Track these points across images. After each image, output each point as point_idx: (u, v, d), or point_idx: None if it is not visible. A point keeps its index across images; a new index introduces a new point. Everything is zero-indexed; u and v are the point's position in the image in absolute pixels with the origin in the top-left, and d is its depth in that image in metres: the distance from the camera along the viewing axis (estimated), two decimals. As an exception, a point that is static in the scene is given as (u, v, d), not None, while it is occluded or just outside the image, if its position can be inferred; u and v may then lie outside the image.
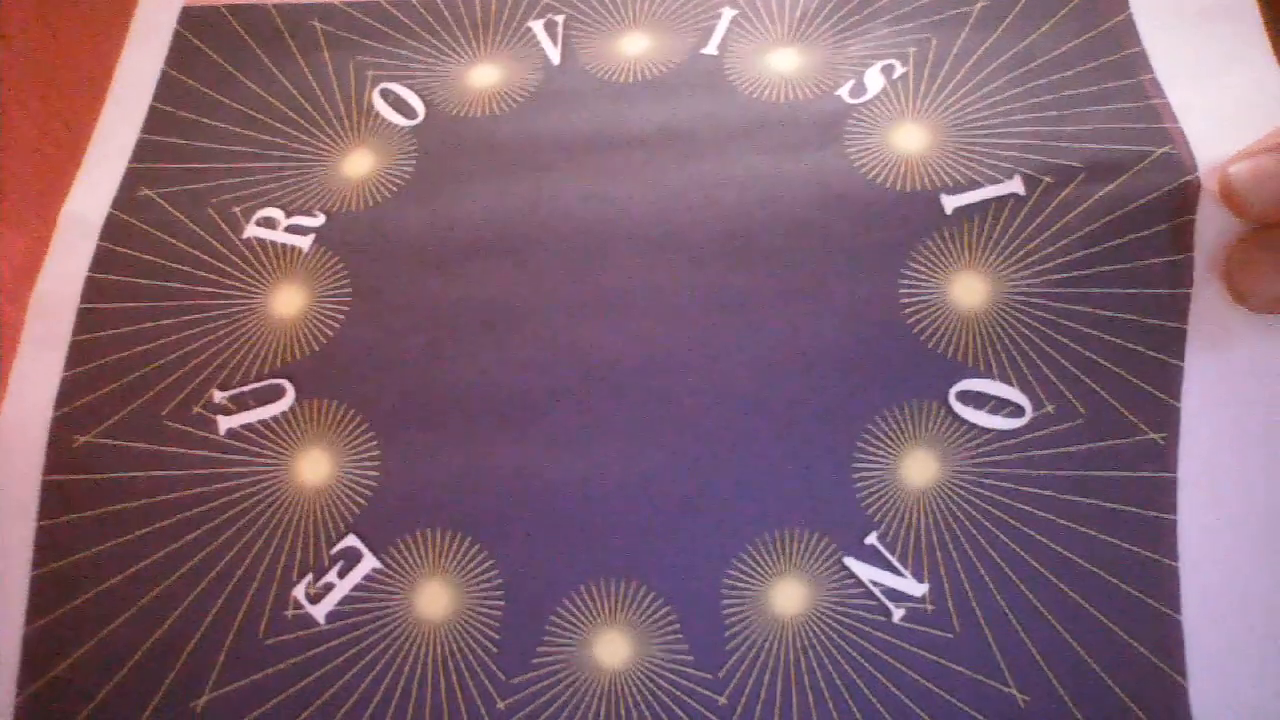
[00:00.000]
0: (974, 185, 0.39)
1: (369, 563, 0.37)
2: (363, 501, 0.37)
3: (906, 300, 0.38)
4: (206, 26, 0.47)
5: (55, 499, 0.38)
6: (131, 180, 0.43)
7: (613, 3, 0.46)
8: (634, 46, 0.44)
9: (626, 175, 0.41)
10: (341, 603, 0.37)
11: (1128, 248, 0.38)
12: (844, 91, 0.42)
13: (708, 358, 0.38)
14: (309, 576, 0.37)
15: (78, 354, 0.40)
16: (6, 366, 0.40)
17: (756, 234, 0.39)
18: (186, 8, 0.47)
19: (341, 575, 0.37)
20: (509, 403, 0.38)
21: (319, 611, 0.36)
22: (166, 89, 0.45)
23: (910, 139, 0.41)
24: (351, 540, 0.37)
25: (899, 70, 0.42)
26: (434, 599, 0.36)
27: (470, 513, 0.37)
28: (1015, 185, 0.39)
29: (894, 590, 0.36)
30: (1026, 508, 0.36)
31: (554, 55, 0.45)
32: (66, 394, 0.39)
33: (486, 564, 0.37)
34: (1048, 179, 0.39)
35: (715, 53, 0.44)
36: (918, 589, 0.36)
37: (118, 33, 0.47)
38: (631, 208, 0.40)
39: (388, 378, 0.39)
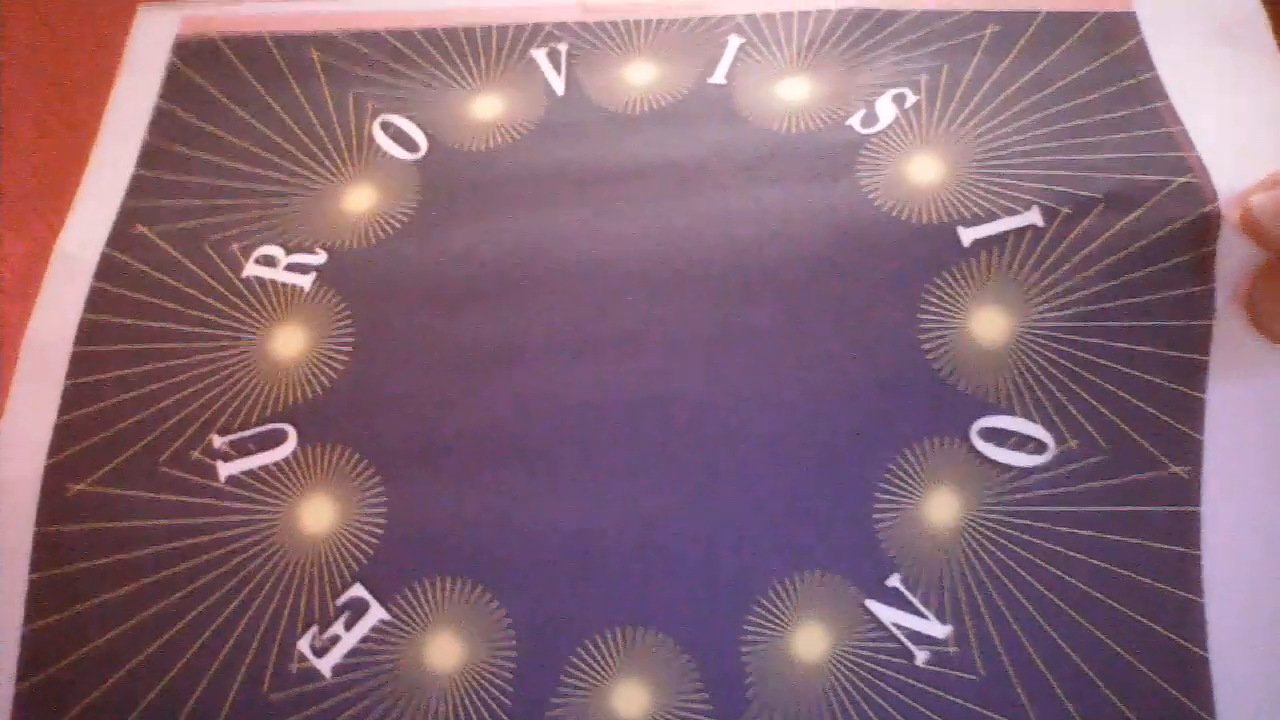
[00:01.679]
0: (991, 217, 0.39)
1: (376, 613, 0.36)
2: (369, 549, 0.36)
3: (925, 336, 0.37)
4: (201, 57, 0.46)
5: (49, 550, 0.37)
6: (126, 218, 0.42)
7: (617, 31, 0.45)
8: (640, 76, 0.44)
9: (634, 209, 0.40)
10: (348, 655, 0.35)
11: (1148, 279, 0.37)
12: (855, 121, 0.41)
13: (720, 397, 0.37)
14: (314, 628, 0.36)
15: (72, 399, 0.39)
16: (6, 381, 0.39)
17: (769, 269, 0.39)
18: (180, 38, 0.46)
19: (348, 627, 0.36)
20: (518, 445, 0.37)
21: (325, 665, 0.35)
22: (161, 122, 0.44)
23: (925, 170, 0.40)
24: (358, 590, 0.36)
25: (911, 99, 0.42)
26: (444, 650, 0.35)
27: (480, 559, 0.36)
28: (1033, 216, 0.38)
29: (916, 632, 0.35)
30: (1050, 545, 0.35)
31: (558, 85, 0.44)
32: (60, 440, 0.38)
33: (498, 612, 0.35)
34: (1066, 210, 0.38)
35: (723, 82, 0.43)
36: (941, 631, 0.35)
37: (120, 38, 0.46)
38: (640, 243, 0.39)
39: (393, 420, 0.38)
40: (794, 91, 0.42)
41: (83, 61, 0.47)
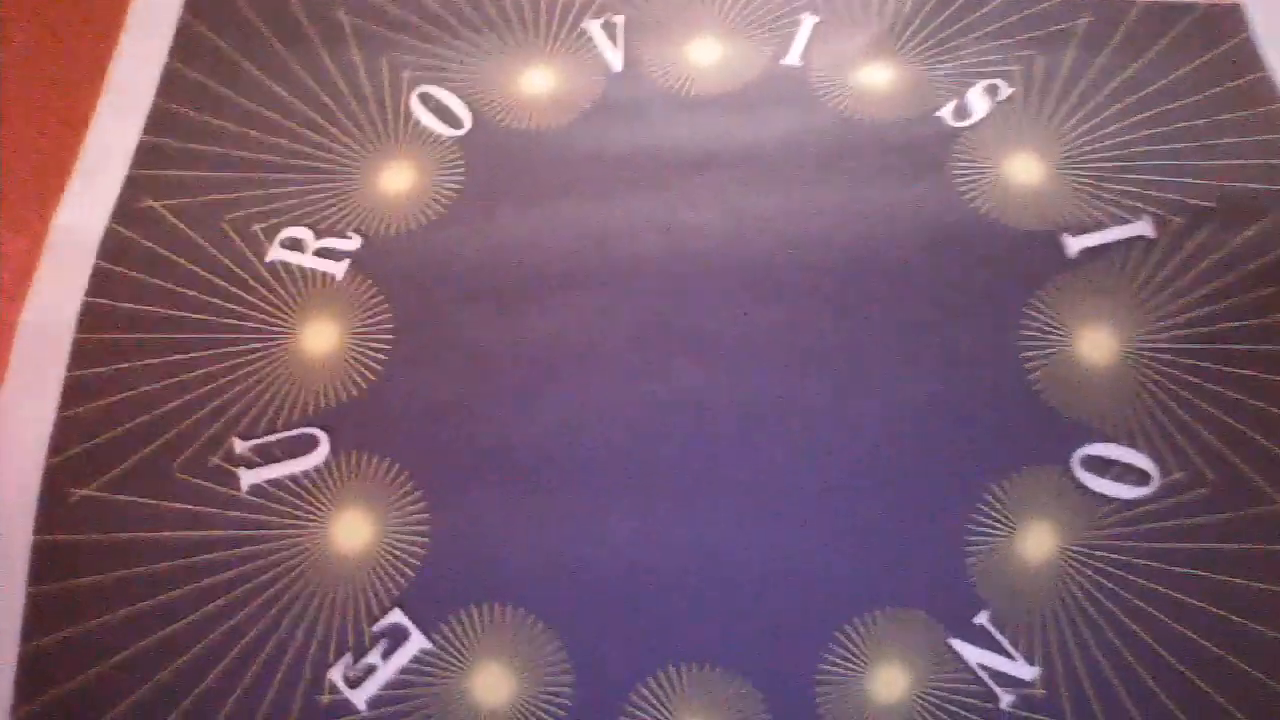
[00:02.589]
0: (1099, 225, 0.36)
1: (417, 642, 0.32)
2: (410, 572, 0.33)
3: (1027, 354, 0.35)
4: (216, 13, 0.42)
5: (48, 562, 0.33)
6: (132, 189, 0.38)
7: (678, 4, 0.42)
8: (704, 54, 0.41)
9: (704, 201, 0.37)
10: (385, 687, 0.32)
11: (1269, 299, 0.35)
12: (946, 113, 0.39)
13: (797, 414, 0.34)
14: (347, 657, 0.32)
15: (74, 392, 0.35)
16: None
17: (854, 273, 0.36)
18: (192, -9, 0.42)
19: (385, 656, 0.32)
20: (575, 460, 0.34)
21: (359, 698, 0.32)
22: (170, 84, 0.40)
23: (1025, 170, 0.37)
24: (397, 616, 0.33)
25: (1004, 91, 0.39)
26: (493, 685, 0.32)
27: (534, 586, 0.33)
28: (1144, 227, 0.36)
29: (1003, 674, 0.32)
30: (1150, 584, 0.33)
31: (615, 61, 0.41)
32: (61, 438, 0.34)
33: (553, 644, 0.32)
34: (1178, 220, 0.36)
35: (798, 64, 0.40)
36: (1028, 673, 0.32)
37: (115, 21, 0.42)
38: (710, 238, 0.37)
39: (436, 429, 0.35)
40: (876, 77, 0.40)
41: (89, 28, 0.43)
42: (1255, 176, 0.36)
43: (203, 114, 0.40)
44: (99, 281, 0.37)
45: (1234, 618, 0.32)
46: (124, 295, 0.37)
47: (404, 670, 0.32)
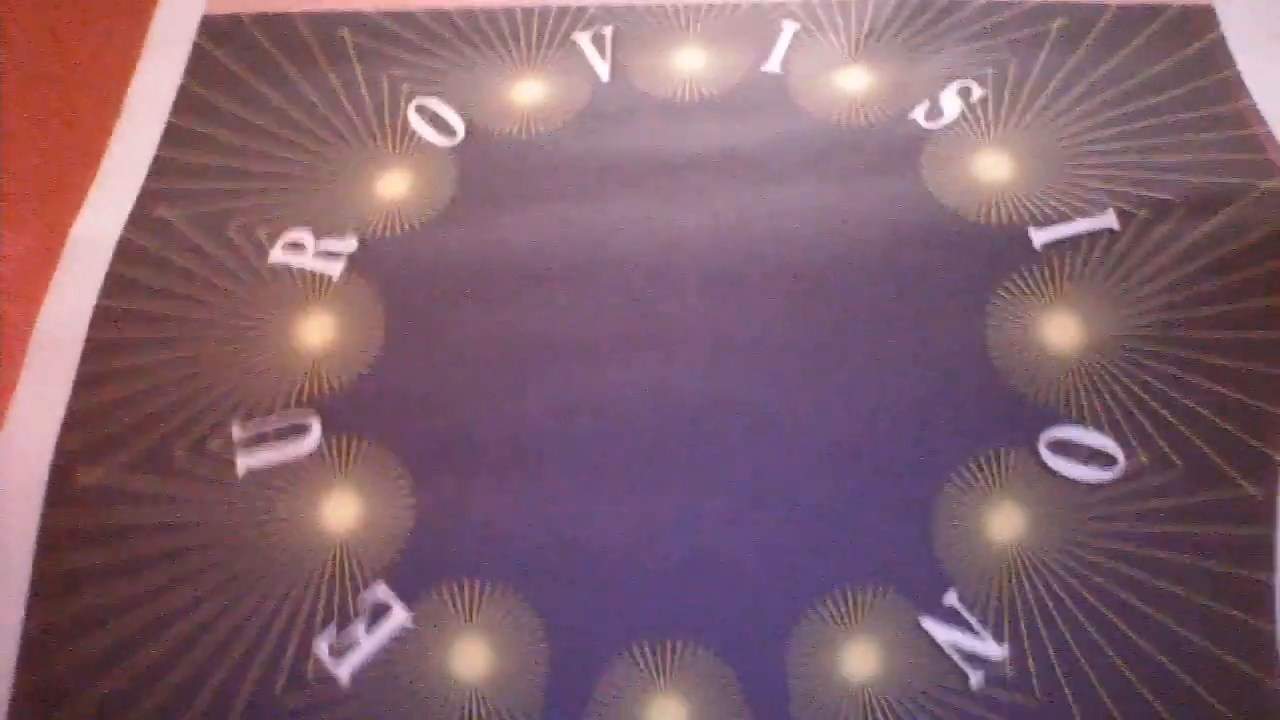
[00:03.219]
0: (1064, 218, 0.37)
1: (400, 616, 0.34)
2: (394, 550, 0.34)
3: (993, 341, 0.36)
4: (228, 37, 0.44)
5: (55, 541, 0.35)
6: (146, 200, 0.40)
7: (664, 15, 0.43)
8: (689, 62, 0.42)
9: (685, 202, 0.38)
10: (368, 660, 0.33)
11: (1229, 289, 0.35)
12: (919, 114, 0.40)
13: (773, 399, 0.35)
14: (332, 630, 0.33)
15: (84, 385, 0.37)
16: (8, 384, 0.37)
17: (828, 268, 0.37)
18: (207, 16, 0.45)
19: (369, 630, 0.34)
20: (557, 445, 0.35)
21: (343, 670, 0.33)
22: (185, 103, 0.43)
23: (993, 167, 0.38)
24: (381, 591, 0.34)
25: (977, 92, 0.40)
26: (472, 658, 0.33)
27: (514, 563, 0.34)
28: (1108, 219, 0.37)
29: (972, 653, 0.33)
30: (1115, 565, 0.33)
31: (602, 71, 0.42)
32: (71, 428, 0.36)
33: (531, 620, 0.33)
34: (1143, 213, 0.36)
35: (778, 70, 0.41)
36: (997, 652, 0.33)
37: (124, 34, 0.44)
38: (691, 237, 0.38)
39: (424, 415, 0.36)
40: (853, 81, 0.41)
41: (94, 36, 0.45)
42: (1219, 170, 0.37)
43: (213, 129, 0.42)
44: (112, 285, 0.39)
45: (1199, 599, 0.33)
46: (135, 297, 0.38)
47: (385, 644, 0.33)
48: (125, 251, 0.39)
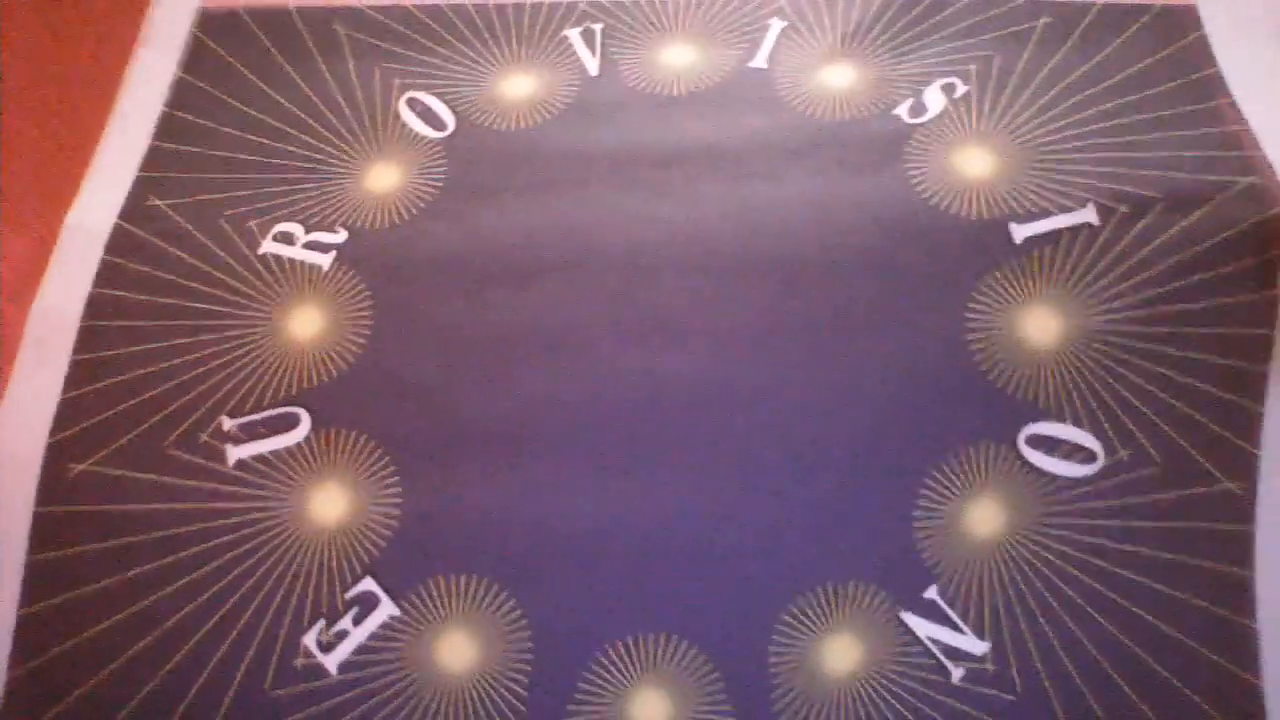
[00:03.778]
0: (1045, 214, 0.37)
1: (387, 609, 0.34)
2: (382, 542, 0.35)
3: (973, 336, 0.36)
4: (224, 30, 0.44)
5: (48, 532, 0.35)
6: (141, 190, 0.41)
7: (654, 12, 0.43)
8: (677, 57, 0.42)
9: (672, 194, 0.39)
10: (356, 652, 0.34)
11: (1207, 285, 0.35)
12: (902, 110, 0.40)
13: (756, 393, 0.36)
14: (321, 622, 0.34)
15: (78, 375, 0.37)
16: (3, 376, 0.38)
17: (811, 261, 0.37)
18: (204, 9, 0.45)
19: (356, 622, 0.34)
20: (543, 439, 0.35)
21: (331, 661, 0.34)
22: (180, 94, 0.43)
23: (976, 163, 0.38)
24: (369, 584, 0.34)
25: (960, 89, 0.40)
26: (457, 650, 0.34)
27: (499, 557, 0.34)
28: (1089, 214, 0.37)
29: (953, 648, 0.33)
30: (1095, 560, 0.33)
31: (592, 66, 0.42)
32: (64, 418, 0.37)
33: (515, 613, 0.34)
34: (1123, 208, 0.37)
35: (764, 66, 0.42)
36: (978, 647, 0.33)
37: (125, 34, 0.44)
38: (677, 229, 0.38)
39: (413, 408, 0.36)
40: (838, 78, 0.41)
41: (93, 35, 0.46)
42: (1198, 167, 0.37)
43: (208, 121, 0.42)
44: (106, 274, 0.39)
45: (1178, 594, 0.33)
46: (128, 286, 0.39)
47: (373, 636, 0.34)
48: (119, 240, 0.40)
